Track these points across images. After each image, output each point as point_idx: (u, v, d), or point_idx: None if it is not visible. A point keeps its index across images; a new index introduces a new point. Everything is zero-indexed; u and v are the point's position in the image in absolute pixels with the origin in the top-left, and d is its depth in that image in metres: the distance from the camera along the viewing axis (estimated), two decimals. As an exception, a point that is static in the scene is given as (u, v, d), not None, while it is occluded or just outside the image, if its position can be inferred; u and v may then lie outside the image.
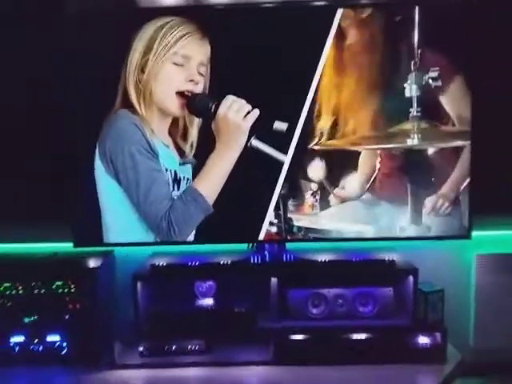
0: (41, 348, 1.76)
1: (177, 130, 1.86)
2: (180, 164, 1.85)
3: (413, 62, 1.77)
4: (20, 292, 1.76)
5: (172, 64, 1.76)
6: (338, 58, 1.80)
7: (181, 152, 1.87)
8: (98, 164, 1.78)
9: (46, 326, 1.75)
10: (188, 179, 1.86)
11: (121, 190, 1.78)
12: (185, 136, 1.86)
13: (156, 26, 1.76)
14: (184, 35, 1.76)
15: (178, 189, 1.83)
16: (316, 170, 1.87)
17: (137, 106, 1.76)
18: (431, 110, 1.80)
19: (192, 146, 1.85)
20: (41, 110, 1.92)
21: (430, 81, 1.78)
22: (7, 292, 1.76)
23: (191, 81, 1.76)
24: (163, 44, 1.75)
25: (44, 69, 1.83)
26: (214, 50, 1.78)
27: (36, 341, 1.76)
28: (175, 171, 1.83)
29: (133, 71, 1.76)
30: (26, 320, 1.76)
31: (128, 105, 1.77)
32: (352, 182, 1.87)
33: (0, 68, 1.98)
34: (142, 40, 1.75)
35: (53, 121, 1.83)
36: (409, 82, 1.78)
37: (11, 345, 1.76)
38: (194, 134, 1.85)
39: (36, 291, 1.76)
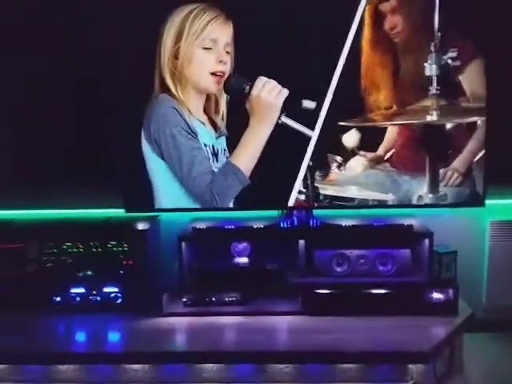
0: (98, 298, 2.01)
1: (210, 105, 2.04)
2: (216, 138, 2.05)
3: (433, 44, 1.91)
4: (80, 250, 2.02)
5: (202, 49, 1.93)
6: (366, 39, 1.93)
7: (215, 126, 2.05)
8: (145, 143, 2.00)
9: (103, 279, 2.00)
10: (224, 150, 2.06)
11: (166, 166, 1.99)
12: (216, 109, 2.04)
13: (182, 14, 1.91)
14: (210, 21, 1.91)
15: (217, 161, 2.03)
16: (350, 138, 2.02)
17: (174, 91, 1.95)
18: (449, 88, 1.95)
19: (223, 117, 2.04)
20: (95, 94, 2.15)
21: (449, 61, 1.92)
22: (69, 250, 2.02)
23: (220, 61, 1.94)
24: (192, 32, 1.91)
25: (96, 62, 2.04)
26: (243, 32, 1.92)
27: (94, 292, 2.01)
28: (213, 145, 2.03)
29: (167, 59, 1.93)
30: (86, 274, 2.01)
31: (166, 89, 1.95)
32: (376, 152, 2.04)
33: (55, 60, 2.20)
34: (171, 29, 1.92)
35: (104, 106, 2.07)
36: (429, 61, 1.92)
37: (72, 295, 2.01)
38: (223, 106, 2.03)
39: (94, 250, 2.01)
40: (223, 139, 2.06)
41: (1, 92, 2.27)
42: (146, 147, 2.00)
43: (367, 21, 1.92)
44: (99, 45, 2.00)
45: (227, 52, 1.95)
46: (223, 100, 2.03)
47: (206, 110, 2.05)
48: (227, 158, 2.02)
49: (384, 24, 1.94)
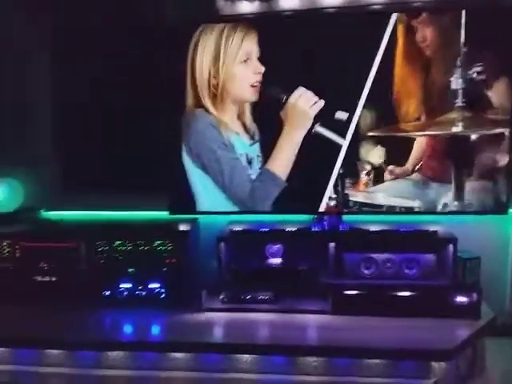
0: (144, 293, 2.19)
1: (242, 111, 2.20)
2: (250, 145, 2.21)
3: (459, 59, 2.02)
4: (129, 248, 2.21)
5: (239, 64, 2.10)
6: (399, 52, 2.05)
7: (248, 131, 2.20)
8: (186, 157, 2.19)
9: (148, 275, 2.18)
10: (258, 156, 2.21)
11: (205, 175, 2.17)
12: (245, 113, 2.19)
13: (213, 36, 2.08)
14: (244, 37, 2.08)
15: (251, 167, 2.18)
16: (375, 155, 2.15)
17: (211, 109, 2.12)
18: (475, 101, 2.04)
19: (252, 120, 2.18)
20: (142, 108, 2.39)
21: (475, 75, 2.02)
22: (119, 248, 2.21)
23: (258, 73, 2.10)
24: (229, 52, 2.08)
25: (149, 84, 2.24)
26: (283, 51, 2.08)
27: (140, 287, 2.19)
28: (246, 154, 2.19)
29: (206, 79, 2.11)
30: (133, 270, 2.20)
31: (201, 105, 2.13)
32: (404, 163, 2.15)
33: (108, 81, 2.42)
34: (206, 52, 2.09)
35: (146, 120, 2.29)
36: (455, 75, 2.03)
37: (120, 290, 2.20)
38: (247, 109, 2.18)
39: (141, 248, 2.20)
40: (256, 146, 2.21)
41: (59, 99, 2.51)
42: (186, 160, 2.19)
43: (400, 34, 2.04)
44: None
45: (260, 62, 2.09)
46: (248, 104, 2.18)
47: (239, 116, 2.21)
48: (261, 163, 2.18)
49: (416, 37, 2.05)
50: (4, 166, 2.46)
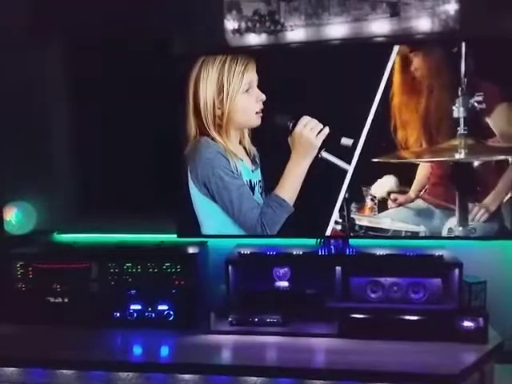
0: (153, 315, 2.22)
1: (242, 135, 2.25)
2: (252, 171, 2.27)
3: (460, 88, 2.09)
4: (138, 270, 2.25)
5: (242, 94, 2.17)
6: (398, 84, 2.12)
7: (250, 158, 2.26)
8: (192, 185, 2.24)
9: (157, 297, 2.22)
10: (259, 181, 2.27)
11: (212, 202, 2.21)
12: (243, 137, 2.24)
13: (214, 68, 2.16)
14: (245, 68, 2.15)
15: (253, 193, 2.24)
16: (379, 187, 2.19)
17: (217, 138, 2.18)
18: (476, 129, 2.10)
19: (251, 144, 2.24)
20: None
21: (475, 104, 2.09)
22: (129, 270, 2.26)
23: (260, 100, 2.18)
24: (232, 84, 2.14)
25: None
26: (287, 80, 2.15)
27: (149, 309, 2.23)
28: (250, 180, 2.25)
29: (210, 110, 2.17)
30: (142, 292, 2.24)
31: (204, 133, 2.19)
32: (408, 190, 2.20)
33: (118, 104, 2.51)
34: (209, 85, 2.16)
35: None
36: (456, 104, 2.09)
37: (131, 311, 2.24)
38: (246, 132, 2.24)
39: (150, 270, 2.24)
40: (258, 172, 2.27)
41: (72, 125, 2.61)
42: (193, 189, 2.24)
43: (397, 67, 2.12)
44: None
45: (261, 90, 2.16)
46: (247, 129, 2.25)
47: (240, 141, 2.26)
48: (261, 188, 2.24)
49: (410, 67, 2.12)
50: (18, 190, 2.54)
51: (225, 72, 2.14)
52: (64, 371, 1.95)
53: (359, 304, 2.11)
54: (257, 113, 2.18)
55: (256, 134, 2.24)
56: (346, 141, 2.15)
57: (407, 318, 2.04)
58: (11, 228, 2.50)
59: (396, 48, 2.10)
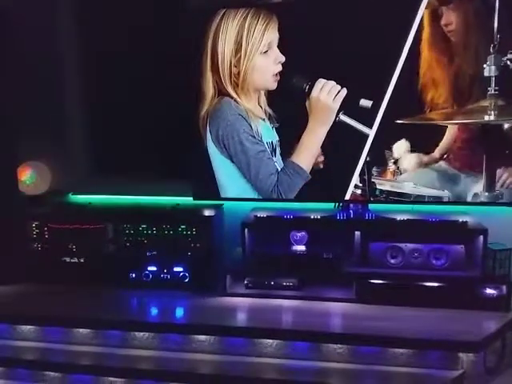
0: (168, 276, 2.22)
1: (259, 96, 2.16)
2: (272, 128, 2.17)
3: (492, 45, 1.97)
4: (154, 232, 2.23)
5: (261, 54, 2.07)
6: (427, 40, 2.00)
7: (269, 118, 2.17)
8: (211, 146, 2.17)
9: (173, 259, 2.21)
10: (278, 141, 2.19)
11: (230, 163, 2.15)
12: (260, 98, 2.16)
13: (235, 23, 2.05)
14: (266, 28, 2.04)
15: (275, 155, 2.17)
16: (400, 147, 2.10)
17: (236, 97, 2.09)
18: (508, 89, 1.99)
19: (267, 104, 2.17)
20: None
21: (508, 62, 1.96)
22: (144, 232, 2.24)
23: (279, 62, 2.08)
24: (251, 42, 2.05)
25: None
26: (301, 35, 2.04)
27: (165, 271, 2.22)
28: (271, 142, 2.18)
29: (227, 69, 2.08)
30: (158, 254, 2.23)
31: (223, 93, 2.10)
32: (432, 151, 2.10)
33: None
34: (227, 41, 2.06)
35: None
36: (488, 62, 1.97)
37: (146, 273, 2.23)
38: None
39: (166, 232, 2.22)
40: (275, 131, 2.19)
41: (88, 89, 2.55)
42: (212, 149, 2.17)
43: (426, 22, 2.00)
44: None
45: (281, 52, 2.06)
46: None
47: (258, 102, 2.17)
48: (279, 148, 2.17)
49: (440, 22, 2.00)
50: (33, 151, 2.51)
51: (244, 30, 2.04)
52: (80, 330, 1.96)
53: (378, 269, 2.06)
54: (275, 75, 2.09)
55: (272, 97, 2.15)
56: (364, 102, 2.05)
57: (428, 284, 1.99)
58: (26, 188, 2.49)
59: (425, 0, 1.98)
